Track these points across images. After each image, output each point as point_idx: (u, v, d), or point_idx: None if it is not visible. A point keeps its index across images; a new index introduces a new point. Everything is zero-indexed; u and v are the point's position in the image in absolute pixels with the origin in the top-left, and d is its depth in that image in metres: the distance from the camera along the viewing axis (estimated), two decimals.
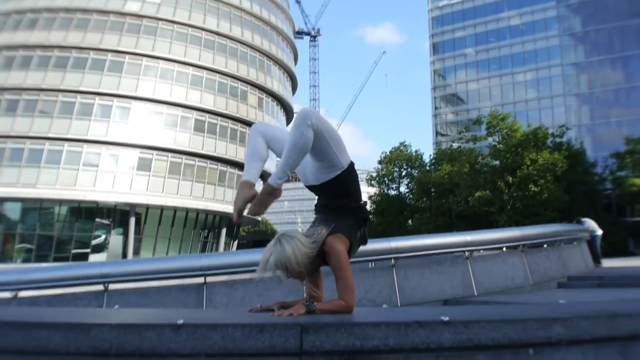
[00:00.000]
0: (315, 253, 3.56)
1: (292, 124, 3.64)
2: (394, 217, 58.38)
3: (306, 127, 3.51)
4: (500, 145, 48.94)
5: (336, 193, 3.82)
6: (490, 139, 50.23)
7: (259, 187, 3.73)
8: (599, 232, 18.00)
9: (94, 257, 38.94)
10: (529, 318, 3.02)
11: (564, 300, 5.30)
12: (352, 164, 3.83)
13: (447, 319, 2.85)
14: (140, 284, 9.01)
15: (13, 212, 39.39)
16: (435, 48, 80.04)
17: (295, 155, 3.57)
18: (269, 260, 3.55)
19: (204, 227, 46.24)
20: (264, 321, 2.85)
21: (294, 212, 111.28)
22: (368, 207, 59.71)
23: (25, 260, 37.52)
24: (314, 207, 4.10)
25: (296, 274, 3.60)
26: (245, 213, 3.59)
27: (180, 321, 2.75)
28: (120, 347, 2.70)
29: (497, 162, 49.39)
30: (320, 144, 3.62)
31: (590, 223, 18.00)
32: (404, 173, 59.78)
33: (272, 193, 3.72)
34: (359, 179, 3.96)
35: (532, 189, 46.01)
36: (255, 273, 3.73)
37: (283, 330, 2.74)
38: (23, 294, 9.01)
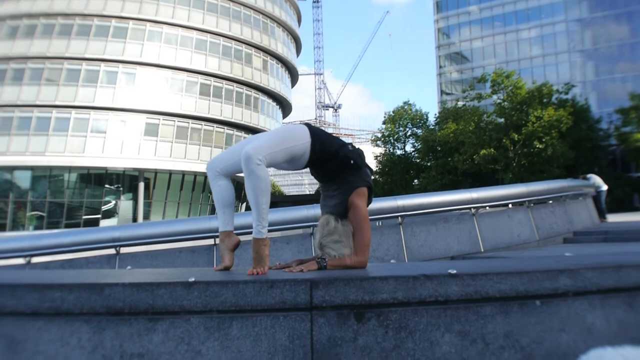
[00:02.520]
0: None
1: (244, 172, 3.56)
2: (399, 176, 58.34)
3: (257, 167, 3.48)
4: (505, 102, 48.59)
5: (321, 162, 3.84)
6: (495, 97, 49.84)
7: None
8: (604, 187, 17.98)
9: (104, 223, 39.05)
10: (535, 270, 3.03)
11: (569, 253, 5.31)
12: (309, 129, 3.82)
13: (455, 271, 2.87)
14: (151, 247, 9.08)
15: (23, 180, 39.47)
16: (439, 6, 79.04)
17: (264, 198, 3.55)
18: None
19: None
20: (274, 277, 2.87)
21: (301, 174, 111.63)
22: (374, 167, 59.98)
23: (37, 227, 37.68)
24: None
25: None
26: (248, 272, 3.42)
27: (192, 279, 2.78)
28: (133, 306, 2.74)
29: (502, 120, 49.08)
30: (281, 158, 3.66)
31: (596, 179, 17.98)
32: (409, 132, 59.54)
33: (264, 245, 3.64)
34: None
35: (537, 146, 45.81)
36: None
37: (293, 286, 2.77)
38: (36, 259, 9.11)
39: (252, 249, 3.59)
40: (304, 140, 3.71)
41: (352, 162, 3.77)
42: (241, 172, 3.62)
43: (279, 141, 3.66)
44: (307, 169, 4.02)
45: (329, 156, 3.77)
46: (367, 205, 3.85)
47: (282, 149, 3.62)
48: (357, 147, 3.91)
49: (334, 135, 4.08)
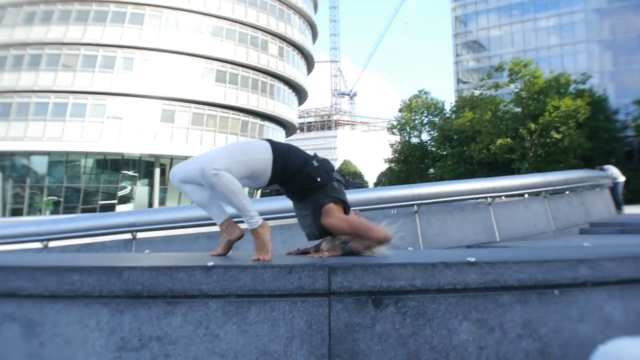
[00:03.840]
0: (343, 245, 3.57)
1: (206, 186, 3.50)
2: (415, 164, 58.39)
3: (215, 177, 3.38)
4: (522, 92, 48.35)
5: (285, 181, 3.70)
6: (512, 86, 49.59)
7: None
8: (621, 178, 17.85)
9: (120, 208, 39.30)
10: (554, 259, 3.03)
11: (587, 243, 5.28)
12: (272, 145, 3.65)
13: (474, 259, 2.86)
14: (167, 232, 9.12)
15: (40, 165, 39.75)
16: None
17: (239, 197, 3.46)
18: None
19: None
20: (292, 262, 2.87)
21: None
22: (390, 154, 59.91)
23: (54, 212, 37.87)
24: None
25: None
26: (252, 258, 3.35)
27: (211, 263, 2.79)
28: (152, 289, 2.76)
29: (519, 109, 48.87)
30: (240, 171, 3.51)
31: (613, 170, 17.85)
32: (425, 121, 59.40)
33: (263, 231, 3.55)
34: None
35: (554, 136, 45.58)
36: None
37: (311, 272, 2.78)
38: (53, 244, 9.16)
39: (254, 238, 3.52)
40: (265, 156, 3.56)
41: (318, 179, 3.60)
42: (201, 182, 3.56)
43: (234, 152, 3.57)
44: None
45: (292, 174, 3.62)
46: (347, 212, 3.70)
47: (239, 161, 3.50)
48: (323, 158, 3.77)
49: (302, 150, 3.88)
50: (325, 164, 3.72)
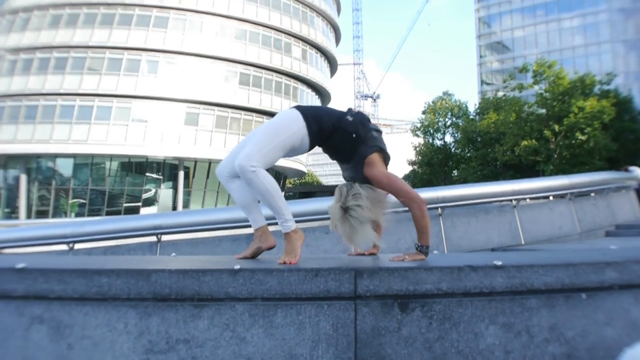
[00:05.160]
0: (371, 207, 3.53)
1: (244, 181, 3.54)
2: (439, 167, 58.12)
3: (253, 174, 3.41)
4: (547, 93, 47.91)
5: (324, 140, 3.68)
6: (536, 87, 49.14)
7: None
8: None
9: (145, 211, 39.55)
10: (581, 262, 3.01)
11: (614, 246, 5.23)
12: (301, 111, 3.64)
13: (500, 263, 2.86)
14: (191, 235, 9.15)
15: (65, 167, 40.09)
16: None
17: (275, 197, 3.49)
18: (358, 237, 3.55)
19: None
20: (318, 266, 2.88)
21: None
22: (413, 157, 59.70)
23: (79, 214, 38.23)
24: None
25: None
26: (278, 261, 3.32)
27: (237, 266, 2.81)
28: (179, 292, 2.78)
29: (544, 111, 48.40)
30: (279, 153, 3.55)
31: (638, 171, 17.64)
32: (448, 123, 59.15)
33: (296, 237, 3.54)
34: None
35: (579, 138, 45.11)
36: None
37: (338, 275, 2.78)
38: (79, 246, 9.23)
39: (285, 241, 3.53)
40: (298, 126, 3.55)
41: (354, 135, 3.59)
42: None
43: (268, 139, 3.53)
44: None
45: (328, 134, 3.62)
46: (386, 164, 3.72)
47: (275, 145, 3.51)
48: (357, 111, 3.76)
49: (333, 108, 3.87)
50: (360, 116, 3.72)
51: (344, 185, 3.65)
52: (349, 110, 3.76)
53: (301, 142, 3.58)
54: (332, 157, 3.82)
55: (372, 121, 3.76)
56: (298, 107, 3.68)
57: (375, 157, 3.61)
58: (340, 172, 3.83)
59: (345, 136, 3.59)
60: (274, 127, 3.64)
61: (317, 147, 3.73)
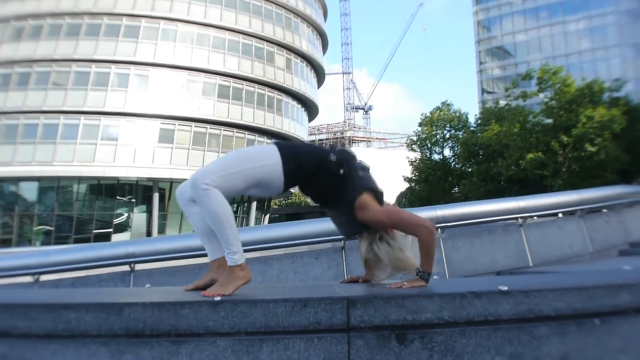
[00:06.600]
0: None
1: (195, 199, 3.50)
2: (438, 183, 58.13)
3: (205, 193, 3.34)
4: (553, 101, 48.16)
5: (305, 182, 3.66)
6: (541, 95, 49.38)
7: None
8: None
9: (117, 237, 39.22)
10: (593, 285, 3.01)
11: (628, 267, 5.24)
12: (279, 147, 3.58)
13: (506, 288, 2.86)
14: (168, 263, 9.12)
15: (29, 192, 39.87)
16: None
17: (224, 223, 3.38)
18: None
19: (233, 201, 46.23)
20: (307, 295, 2.87)
21: None
22: (409, 173, 59.76)
23: (44, 242, 37.86)
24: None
25: None
26: (202, 293, 3.19)
27: (218, 298, 2.79)
28: (155, 327, 2.76)
29: (550, 121, 48.59)
30: (241, 182, 3.46)
31: None
32: (447, 135, 59.29)
33: (240, 271, 3.42)
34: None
35: (589, 149, 45.26)
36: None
37: (329, 305, 2.77)
38: (45, 277, 9.17)
39: (225, 274, 3.42)
40: (272, 160, 3.48)
41: (340, 173, 3.55)
42: None
43: (234, 162, 3.51)
44: None
45: (310, 175, 3.57)
46: (380, 203, 3.67)
47: (239, 171, 3.43)
48: (340, 149, 3.71)
49: (317, 145, 3.81)
50: (345, 155, 3.68)
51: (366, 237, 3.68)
52: (332, 148, 3.71)
53: (273, 180, 3.51)
54: (317, 201, 3.79)
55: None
56: (277, 143, 3.64)
57: (365, 197, 3.58)
58: None
59: (329, 178, 3.57)
60: (245, 153, 3.64)
61: None
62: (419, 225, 3.48)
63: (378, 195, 3.67)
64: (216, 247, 3.67)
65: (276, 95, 47.47)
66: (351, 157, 3.71)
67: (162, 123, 40.65)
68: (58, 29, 39.98)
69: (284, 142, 3.75)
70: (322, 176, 3.57)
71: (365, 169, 3.75)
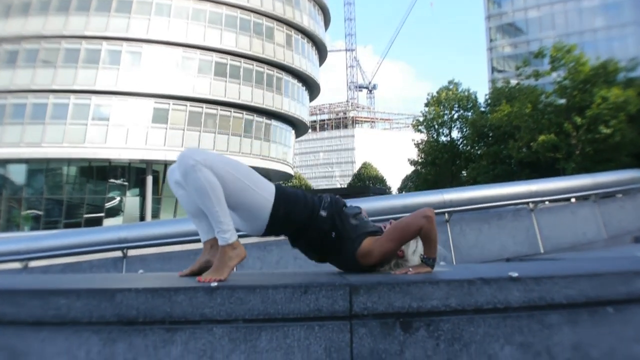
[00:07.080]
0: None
1: (181, 175, 3.41)
2: (445, 166, 58.00)
3: (193, 168, 3.24)
4: (566, 81, 47.96)
5: (291, 231, 3.64)
6: (554, 74, 49.13)
7: None
8: None
9: (108, 222, 39.25)
10: (607, 272, 3.01)
11: None
12: (277, 188, 3.56)
13: (516, 275, 2.85)
14: (162, 248, 9.12)
15: (17, 174, 39.93)
16: None
17: (214, 200, 3.28)
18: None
19: None
20: (308, 281, 2.87)
21: (331, 164, 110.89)
22: (415, 155, 59.62)
23: (33, 228, 37.97)
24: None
25: None
26: (197, 279, 3.19)
27: (214, 284, 2.79)
28: (148, 314, 2.76)
29: (563, 101, 48.41)
30: (232, 191, 3.38)
31: None
32: (455, 116, 59.08)
33: (232, 251, 3.39)
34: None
35: (604, 131, 45.09)
36: None
37: (330, 291, 2.77)
38: (34, 263, 9.20)
39: (217, 256, 3.40)
40: (265, 194, 3.45)
41: (333, 235, 3.52)
42: None
43: (236, 166, 3.47)
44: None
45: (296, 228, 3.56)
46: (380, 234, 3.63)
47: (238, 178, 3.39)
48: (329, 201, 3.64)
49: (312, 195, 3.71)
50: (334, 207, 3.62)
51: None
52: (321, 199, 3.66)
53: (259, 213, 3.48)
54: (310, 254, 3.78)
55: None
56: (278, 185, 3.61)
57: (366, 244, 3.55)
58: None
59: (321, 234, 3.55)
60: (248, 168, 3.56)
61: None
62: (417, 221, 3.47)
63: (375, 233, 3.64)
64: (208, 227, 3.62)
65: (275, 73, 47.28)
66: (340, 206, 3.68)
67: (155, 102, 40.55)
68: (47, 4, 39.71)
69: (285, 186, 3.72)
70: (312, 232, 3.55)
71: (359, 212, 3.74)
